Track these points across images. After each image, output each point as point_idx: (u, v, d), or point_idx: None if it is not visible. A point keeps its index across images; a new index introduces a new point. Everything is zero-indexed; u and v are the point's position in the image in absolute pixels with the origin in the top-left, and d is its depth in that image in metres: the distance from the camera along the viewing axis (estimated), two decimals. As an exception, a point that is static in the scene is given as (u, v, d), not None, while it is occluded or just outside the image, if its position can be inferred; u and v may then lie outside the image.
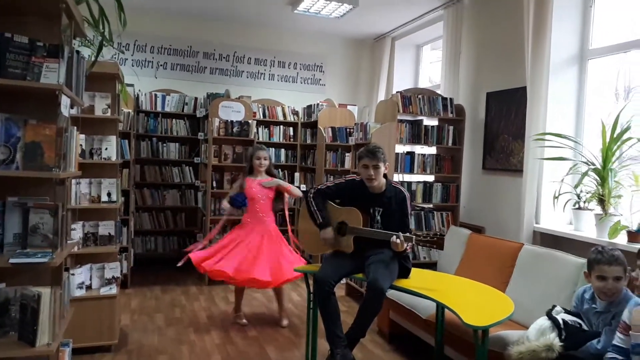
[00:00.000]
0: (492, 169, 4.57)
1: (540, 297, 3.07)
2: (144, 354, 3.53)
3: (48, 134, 2.02)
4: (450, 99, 4.71)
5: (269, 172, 4.27)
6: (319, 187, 3.36)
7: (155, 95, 6.13)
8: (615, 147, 3.38)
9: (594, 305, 2.43)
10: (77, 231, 3.46)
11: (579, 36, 3.95)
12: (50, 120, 2.05)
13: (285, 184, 4.30)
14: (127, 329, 3.99)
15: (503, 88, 4.45)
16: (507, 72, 4.41)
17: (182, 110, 6.25)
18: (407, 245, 2.99)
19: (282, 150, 6.61)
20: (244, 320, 4.24)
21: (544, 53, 3.78)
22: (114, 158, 3.61)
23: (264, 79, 6.89)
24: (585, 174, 3.46)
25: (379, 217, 3.18)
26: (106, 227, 3.58)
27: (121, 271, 3.84)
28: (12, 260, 1.97)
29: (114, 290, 3.53)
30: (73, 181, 3.42)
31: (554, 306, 2.55)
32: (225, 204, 4.28)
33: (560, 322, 2.41)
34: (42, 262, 1.99)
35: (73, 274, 3.31)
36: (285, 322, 4.24)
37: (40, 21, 2.12)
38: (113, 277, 3.57)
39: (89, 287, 3.50)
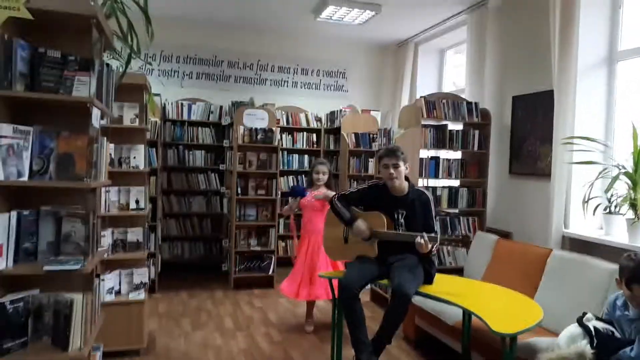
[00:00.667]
0: (519, 174, 4.50)
1: (571, 304, 3.00)
2: (171, 358, 3.59)
3: (79, 145, 2.08)
4: (475, 103, 4.66)
5: (328, 186, 4.36)
6: (342, 192, 3.41)
7: (182, 104, 6.25)
8: (647, 150, 3.29)
9: (626, 313, 2.37)
10: (107, 238, 3.55)
11: (608, 38, 3.87)
12: (81, 132, 2.12)
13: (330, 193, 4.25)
14: (154, 333, 4.06)
15: (529, 92, 4.38)
16: (533, 76, 4.34)
17: (208, 119, 6.35)
18: (433, 247, 2.97)
19: (306, 156, 6.65)
20: (310, 327, 4.30)
21: (571, 55, 3.72)
22: (142, 166, 3.69)
23: (287, 86, 6.96)
24: (616, 177, 3.37)
25: (402, 220, 3.17)
26: (135, 234, 3.67)
27: (149, 276, 3.91)
28: (46, 268, 2.03)
29: (142, 295, 3.60)
30: (103, 189, 3.51)
31: (584, 313, 2.49)
32: (286, 209, 4.51)
33: (592, 329, 2.36)
34: (74, 269, 2.05)
35: (103, 280, 3.39)
36: (310, 328, 4.26)
37: (72, 36, 2.19)
38: (141, 282, 3.64)
39: (118, 293, 3.58)
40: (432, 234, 2.96)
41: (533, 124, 4.34)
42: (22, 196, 2.16)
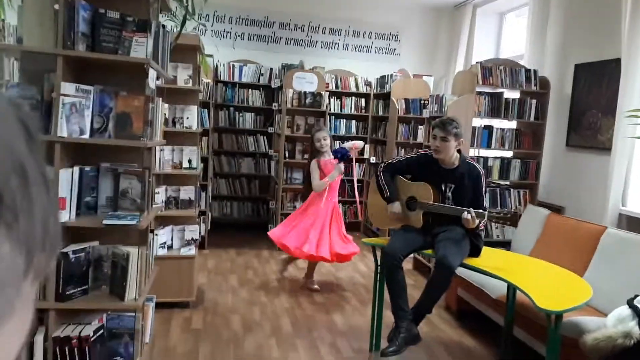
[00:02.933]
0: (577, 146, 4.30)
1: (623, 285, 2.90)
2: (219, 312, 3.76)
3: (137, 105, 2.16)
4: (535, 71, 4.45)
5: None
6: (389, 161, 3.35)
7: (233, 65, 6.29)
8: None
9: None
10: (161, 195, 3.69)
11: (688, 2, 3.56)
12: (138, 92, 2.18)
13: (340, 170, 4.29)
14: (203, 287, 4.25)
15: (594, 60, 4.13)
16: (600, 43, 4.08)
17: (258, 81, 6.38)
18: (480, 223, 2.92)
19: (353, 121, 6.60)
20: (316, 286, 4.37)
21: (644, 21, 3.46)
22: (194, 127, 3.78)
23: (337, 49, 6.85)
24: (683, 155, 3.17)
25: (450, 194, 3.11)
26: (187, 192, 3.80)
27: (199, 233, 4.07)
28: (105, 222, 2.15)
29: (192, 251, 3.76)
30: (157, 148, 3.63)
31: (636, 295, 2.41)
32: (328, 177, 4.23)
33: (643, 311, 2.28)
34: (131, 225, 2.16)
35: (157, 235, 3.56)
36: (315, 285, 4.39)
37: (130, -3, 2.24)
38: (192, 238, 3.79)
39: (170, 247, 3.75)
40: (480, 210, 2.90)
41: (596, 95, 4.10)
42: (83, 153, 2.27)
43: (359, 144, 4.39)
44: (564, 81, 4.50)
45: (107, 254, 2.29)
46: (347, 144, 4.35)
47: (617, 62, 3.69)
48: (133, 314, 2.29)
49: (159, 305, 3.43)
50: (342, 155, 4.25)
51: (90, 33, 2.10)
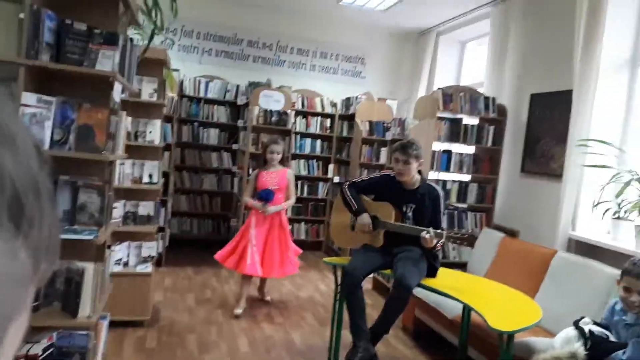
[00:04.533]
0: (531, 172, 4.49)
1: (571, 307, 3.03)
2: (174, 332, 3.68)
3: (100, 117, 2.13)
4: (493, 98, 4.64)
5: (282, 163, 4.27)
6: (353, 179, 3.42)
7: (199, 80, 6.27)
8: (661, 158, 3.27)
9: (624, 317, 2.39)
10: (119, 210, 3.61)
11: (633, 40, 3.81)
12: (102, 105, 2.15)
13: (287, 204, 4.29)
14: (159, 305, 4.15)
15: (548, 90, 4.35)
16: (554, 74, 4.30)
17: (224, 97, 6.37)
18: (438, 242, 3.00)
19: (318, 141, 6.66)
20: (268, 298, 4.47)
21: (594, 56, 3.67)
22: (157, 141, 3.74)
23: (305, 69, 6.94)
24: (628, 183, 3.36)
25: (410, 214, 3.19)
26: (146, 207, 3.73)
27: (157, 250, 3.99)
28: (61, 236, 2.09)
29: (149, 268, 3.68)
30: (117, 162, 3.56)
31: (582, 317, 2.52)
32: (252, 202, 4.20)
33: (587, 332, 2.39)
34: (88, 239, 2.11)
35: (113, 250, 3.47)
36: (268, 297, 4.50)
37: (99, 9, 2.22)
38: (149, 255, 3.72)
39: (126, 264, 3.66)
40: (439, 230, 2.98)
41: (549, 123, 4.31)
42: (41, 164, 2.20)
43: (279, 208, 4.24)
44: (520, 109, 4.70)
45: (61, 269, 2.22)
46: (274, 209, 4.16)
47: (569, 93, 3.89)
48: (86, 332, 2.22)
49: (113, 324, 3.32)
50: (265, 197, 4.12)
51: (56, 43, 2.07)
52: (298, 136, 6.51)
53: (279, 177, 4.19)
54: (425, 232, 2.95)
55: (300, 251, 4.44)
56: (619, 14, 3.74)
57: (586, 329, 2.39)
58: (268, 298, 4.51)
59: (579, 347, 2.27)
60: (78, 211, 2.20)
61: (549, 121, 4.31)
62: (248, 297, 4.60)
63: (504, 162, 4.68)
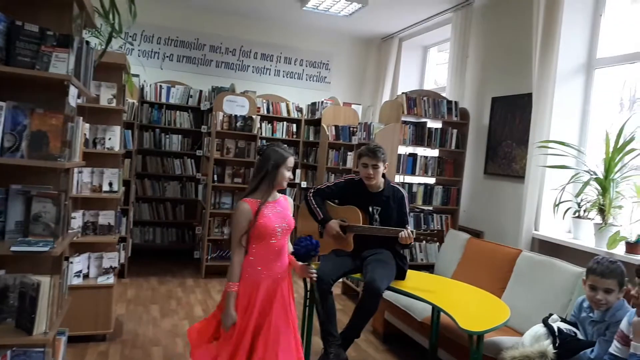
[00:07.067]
0: (494, 174, 4.57)
1: (537, 305, 3.08)
2: (138, 345, 3.55)
3: (54, 123, 2.02)
4: (455, 102, 4.71)
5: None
6: (318, 186, 3.40)
7: (160, 86, 6.13)
8: (618, 158, 3.38)
9: (590, 315, 2.45)
10: (77, 220, 3.47)
11: (588, 45, 3.94)
12: (57, 110, 2.05)
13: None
14: (122, 318, 4.01)
15: (509, 93, 4.45)
16: (514, 78, 4.41)
17: (187, 103, 6.24)
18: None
19: (285, 146, 6.59)
20: None
21: (551, 60, 3.78)
22: (117, 148, 3.62)
23: (269, 74, 6.89)
24: (586, 183, 3.46)
25: (377, 216, 3.21)
26: (106, 217, 3.59)
27: (119, 261, 3.85)
28: (13, 248, 1.97)
29: (111, 279, 3.54)
30: (75, 170, 3.42)
31: (550, 314, 2.56)
32: (300, 265, 2.50)
33: (555, 329, 2.43)
34: (43, 251, 2.00)
35: (71, 262, 3.32)
36: None
37: (52, 10, 2.12)
38: (111, 266, 3.58)
39: (86, 276, 3.52)
40: (409, 228, 3.01)
41: (510, 126, 4.41)
42: (-10, 173, 2.09)
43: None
44: (482, 113, 4.79)
45: (14, 283, 2.10)
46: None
47: (529, 96, 3.99)
48: (42, 349, 2.10)
49: (73, 339, 3.19)
50: (306, 254, 2.45)
51: (5, 46, 1.96)
52: (264, 141, 6.44)
53: (283, 209, 2.50)
54: (402, 232, 2.98)
55: None
56: (573, 20, 3.87)
57: (555, 326, 2.43)
58: None
59: (548, 345, 2.30)
60: (32, 222, 2.09)
61: (510, 124, 4.41)
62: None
63: (468, 164, 4.76)
